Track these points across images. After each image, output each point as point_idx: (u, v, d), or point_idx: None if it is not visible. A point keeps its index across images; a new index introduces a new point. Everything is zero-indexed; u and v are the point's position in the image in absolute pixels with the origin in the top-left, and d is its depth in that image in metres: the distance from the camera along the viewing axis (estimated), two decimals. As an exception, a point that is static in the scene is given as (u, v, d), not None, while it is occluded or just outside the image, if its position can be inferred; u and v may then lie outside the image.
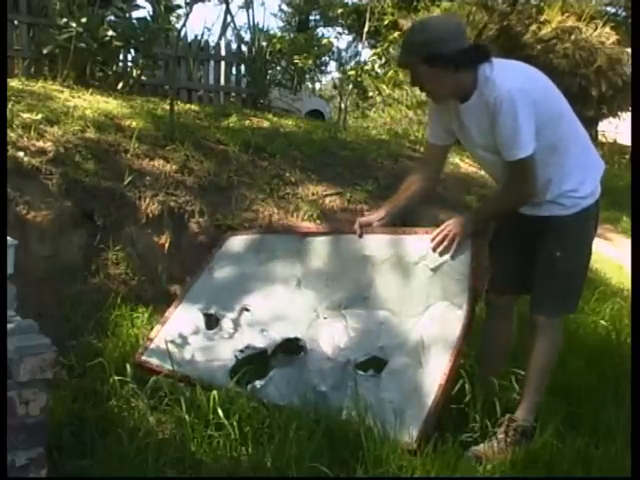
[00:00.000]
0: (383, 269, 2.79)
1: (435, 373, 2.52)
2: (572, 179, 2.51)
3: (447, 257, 2.63)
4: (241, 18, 47.44)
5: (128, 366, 2.66)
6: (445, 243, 2.61)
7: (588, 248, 2.66)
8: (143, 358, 2.84)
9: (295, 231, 3.36)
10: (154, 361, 2.81)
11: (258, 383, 2.69)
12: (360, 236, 2.85)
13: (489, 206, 2.81)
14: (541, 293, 2.61)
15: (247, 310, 2.95)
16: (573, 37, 10.89)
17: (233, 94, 8.15)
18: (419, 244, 2.72)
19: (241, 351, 2.80)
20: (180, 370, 2.75)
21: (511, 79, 2.40)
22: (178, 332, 2.91)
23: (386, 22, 9.27)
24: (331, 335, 2.79)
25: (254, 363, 2.76)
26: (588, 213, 2.57)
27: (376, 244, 2.83)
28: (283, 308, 2.91)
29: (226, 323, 2.93)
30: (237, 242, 3.20)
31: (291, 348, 2.82)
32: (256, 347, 2.81)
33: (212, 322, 2.97)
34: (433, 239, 2.64)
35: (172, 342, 2.84)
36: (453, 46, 2.40)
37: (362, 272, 2.84)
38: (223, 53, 8.07)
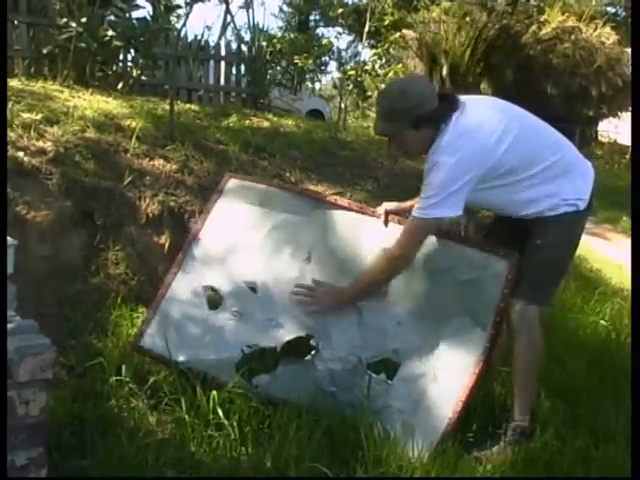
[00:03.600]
0: (410, 268, 2.63)
1: (451, 394, 2.46)
2: (553, 198, 2.54)
3: (479, 274, 2.56)
4: (241, 18, 47.51)
5: (124, 367, 2.65)
6: (306, 302, 2.68)
7: (570, 247, 2.69)
8: (142, 344, 2.72)
9: (308, 194, 3.06)
10: (154, 348, 2.70)
11: (265, 377, 2.63)
12: (385, 224, 2.75)
13: (365, 278, 2.66)
14: (520, 280, 2.60)
15: (253, 290, 2.79)
16: (573, 37, 10.90)
17: (233, 94, 8.16)
18: (451, 253, 2.62)
19: (248, 346, 2.70)
20: (182, 360, 2.65)
21: (452, 149, 2.43)
22: (179, 311, 2.77)
23: (386, 22, 9.28)
24: (343, 328, 2.67)
25: (261, 358, 2.70)
26: (574, 218, 2.59)
27: None
28: (292, 288, 2.75)
29: (230, 302, 2.78)
30: (240, 190, 2.94)
31: (301, 347, 2.73)
32: (265, 347, 2.71)
33: (215, 299, 2.82)
34: (297, 293, 2.69)
35: (172, 325, 2.71)
36: (432, 104, 2.49)
37: None
38: (223, 53, 8.08)
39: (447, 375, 2.50)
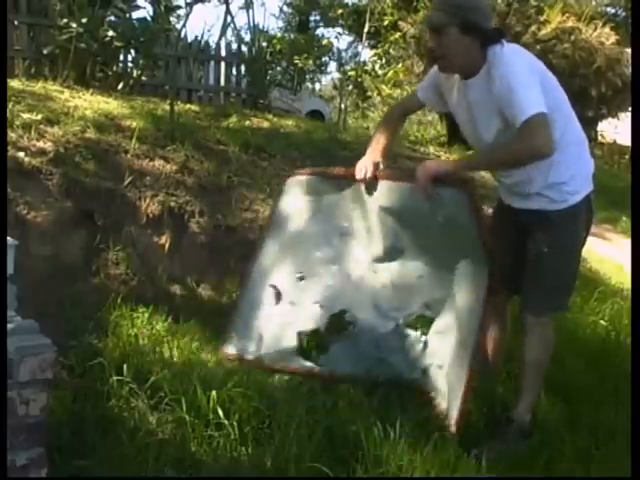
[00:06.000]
0: (405, 219, 2.69)
1: (472, 339, 2.54)
2: (563, 172, 2.48)
3: (452, 211, 2.51)
4: (241, 18, 47.35)
5: (125, 367, 2.66)
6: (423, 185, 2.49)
7: (577, 245, 2.63)
8: (227, 351, 2.96)
9: (337, 174, 3.04)
10: (238, 350, 2.95)
11: (322, 358, 2.87)
12: (372, 183, 2.71)
13: (492, 154, 2.53)
14: (529, 291, 2.60)
15: (302, 279, 2.98)
16: (573, 37, 10.88)
17: (233, 94, 8.17)
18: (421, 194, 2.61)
19: (301, 332, 2.92)
20: (257, 355, 2.90)
21: (519, 57, 2.44)
22: (251, 311, 3.01)
23: (386, 23, 9.29)
24: (376, 294, 2.85)
25: (314, 341, 2.94)
26: (576, 210, 2.54)
27: (397, 193, 2.69)
28: (331, 268, 2.95)
29: (286, 295, 2.99)
30: (295, 185, 3.06)
31: (339, 324, 2.92)
32: (315, 330, 2.91)
33: (276, 295, 3.03)
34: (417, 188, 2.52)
35: (246, 325, 2.96)
36: (486, 21, 2.47)
37: (391, 223, 2.74)
38: (223, 53, 8.09)
39: (465, 329, 2.58)
